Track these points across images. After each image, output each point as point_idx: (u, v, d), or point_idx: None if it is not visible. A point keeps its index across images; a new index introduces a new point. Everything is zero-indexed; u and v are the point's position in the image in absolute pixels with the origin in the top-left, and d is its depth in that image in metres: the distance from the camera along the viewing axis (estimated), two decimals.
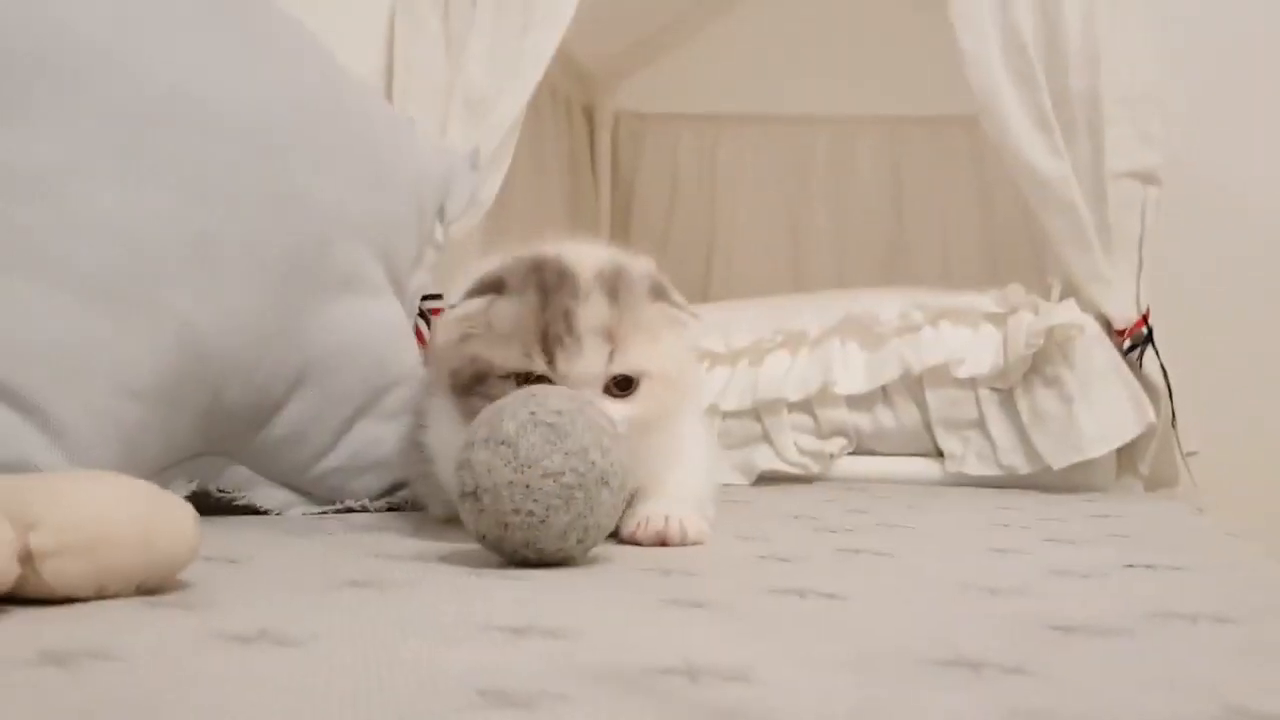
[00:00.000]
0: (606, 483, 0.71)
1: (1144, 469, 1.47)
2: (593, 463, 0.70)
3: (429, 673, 0.42)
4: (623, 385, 0.81)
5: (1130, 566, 0.75)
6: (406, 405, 1.08)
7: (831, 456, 1.48)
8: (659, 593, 0.61)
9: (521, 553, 0.71)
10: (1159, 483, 1.49)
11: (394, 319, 1.14)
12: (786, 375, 1.49)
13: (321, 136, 1.04)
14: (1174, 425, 1.47)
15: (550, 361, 0.80)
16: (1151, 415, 1.42)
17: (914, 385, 1.47)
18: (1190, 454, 1.49)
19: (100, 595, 0.56)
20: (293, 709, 0.37)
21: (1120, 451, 1.44)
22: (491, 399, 0.77)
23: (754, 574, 0.70)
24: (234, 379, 0.93)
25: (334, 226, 1.03)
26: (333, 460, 1.04)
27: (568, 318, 0.80)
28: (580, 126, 2.29)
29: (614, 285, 0.82)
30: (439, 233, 1.33)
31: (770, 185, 2.32)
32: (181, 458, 0.94)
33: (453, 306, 0.84)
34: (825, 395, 1.48)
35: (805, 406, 1.48)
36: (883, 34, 2.09)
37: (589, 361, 0.80)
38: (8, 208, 0.81)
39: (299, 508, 1.04)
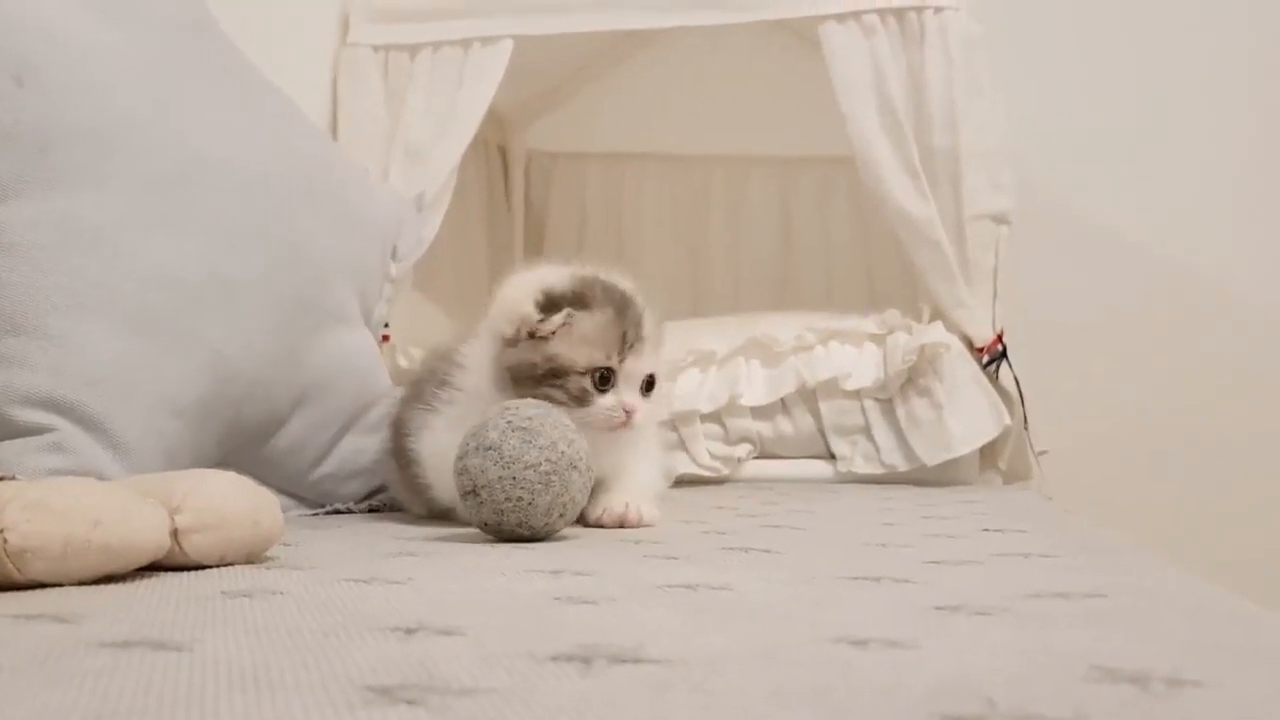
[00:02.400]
0: (575, 466, 0.90)
1: (1003, 465, 1.66)
2: (562, 452, 0.89)
3: (513, 593, 0.61)
4: (649, 385, 1.02)
5: (986, 530, 0.97)
6: (384, 420, 1.25)
7: (739, 460, 1.64)
8: (639, 551, 0.81)
9: (516, 532, 0.89)
10: (1015, 476, 1.67)
11: (370, 347, 1.31)
12: (699, 390, 1.64)
13: (313, 190, 1.21)
14: (1026, 428, 1.66)
15: (622, 360, 1.00)
16: (1007, 419, 1.60)
17: (809, 397, 1.62)
18: (1041, 453, 1.69)
19: (221, 563, 0.73)
20: (433, 609, 0.56)
21: (982, 450, 1.61)
22: (568, 391, 0.99)
23: (705, 540, 0.90)
24: (251, 398, 1.09)
25: (326, 268, 1.20)
26: (326, 468, 1.20)
27: (637, 327, 1.01)
28: (495, 164, 2.41)
29: (647, 307, 1.03)
30: (393, 269, 1.49)
31: (671, 218, 2.43)
32: (204, 467, 1.10)
33: (541, 319, 1.00)
34: (732, 407, 1.63)
35: (715, 417, 1.63)
36: (772, 82, 2.20)
37: (645, 361, 1.01)
38: (74, 258, 0.95)
39: (294, 511, 1.19)
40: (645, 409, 1.01)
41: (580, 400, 0.99)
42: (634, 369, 1.00)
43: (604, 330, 1.00)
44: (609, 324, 1.00)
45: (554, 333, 1.00)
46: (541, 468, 0.88)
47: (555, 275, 1.04)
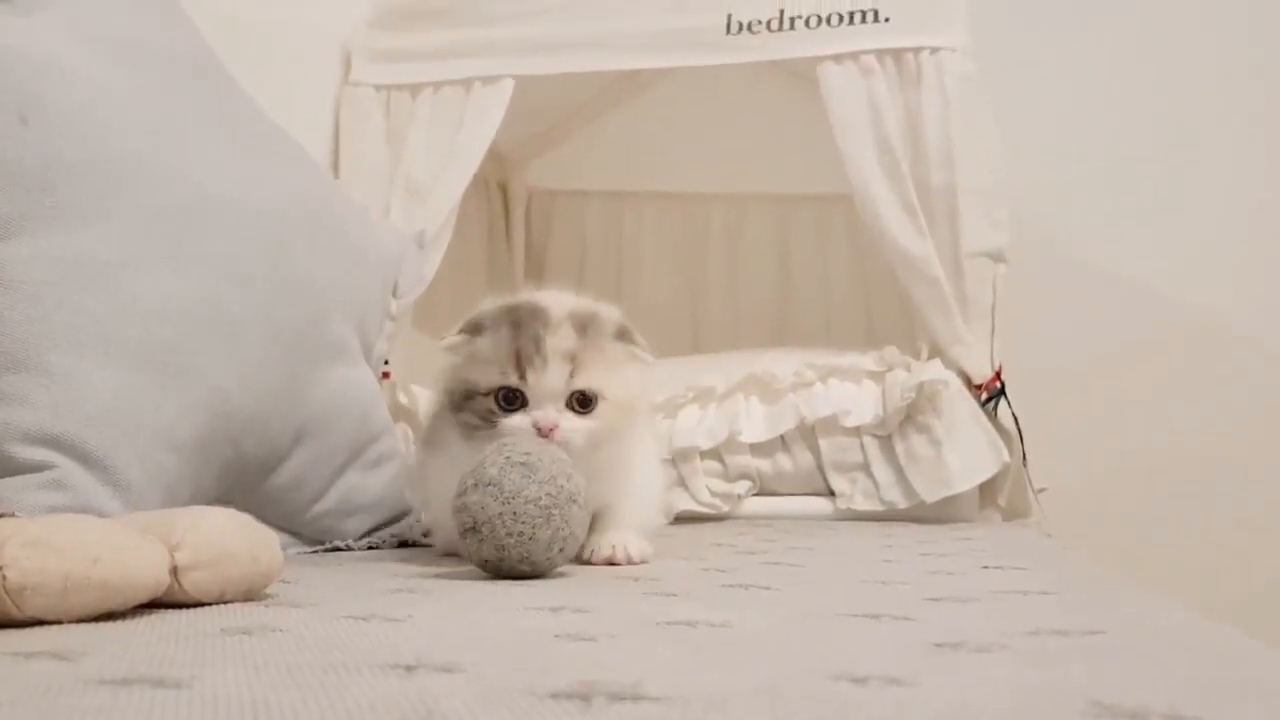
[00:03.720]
0: (574, 500, 0.90)
1: (1002, 502, 1.66)
2: (561, 486, 0.89)
3: (512, 629, 0.61)
4: (583, 403, 1.00)
5: (985, 567, 0.97)
6: (387, 455, 1.26)
7: (739, 497, 1.64)
8: (638, 588, 0.81)
9: (518, 568, 0.89)
10: (1014, 513, 1.67)
11: (370, 383, 1.31)
12: (698, 426, 1.65)
13: (314, 227, 1.22)
14: (1025, 465, 1.67)
15: (522, 377, 0.98)
16: (1006, 456, 1.61)
17: (808, 433, 1.64)
18: (1040, 490, 1.69)
19: (220, 600, 0.73)
20: (432, 646, 0.55)
21: (982, 487, 1.62)
22: (477, 414, 0.99)
23: (704, 577, 0.90)
24: (250, 434, 1.09)
25: (327, 304, 1.21)
26: (325, 504, 1.20)
27: (537, 342, 0.98)
28: (496, 202, 2.43)
29: (583, 323, 1.01)
30: (394, 306, 1.50)
31: (670, 255, 2.45)
32: (202, 504, 1.10)
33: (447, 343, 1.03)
34: (732, 443, 1.64)
35: (715, 454, 1.65)
36: (770, 121, 2.23)
37: (553, 377, 0.98)
38: (75, 295, 0.95)
39: (293, 548, 1.19)
40: (573, 426, 0.98)
41: (487, 421, 0.99)
42: (541, 384, 0.98)
43: (497, 349, 0.99)
44: (503, 342, 0.99)
45: (468, 355, 1.01)
46: (542, 502, 0.88)
47: (484, 303, 1.05)
